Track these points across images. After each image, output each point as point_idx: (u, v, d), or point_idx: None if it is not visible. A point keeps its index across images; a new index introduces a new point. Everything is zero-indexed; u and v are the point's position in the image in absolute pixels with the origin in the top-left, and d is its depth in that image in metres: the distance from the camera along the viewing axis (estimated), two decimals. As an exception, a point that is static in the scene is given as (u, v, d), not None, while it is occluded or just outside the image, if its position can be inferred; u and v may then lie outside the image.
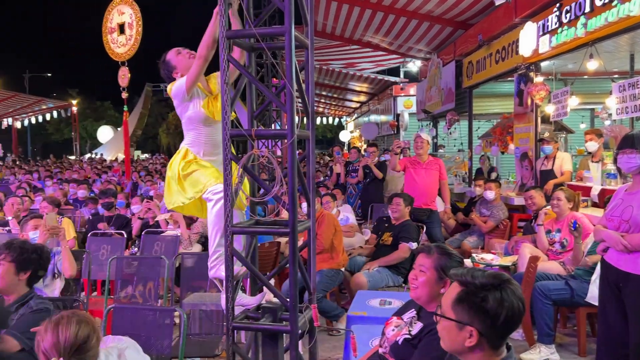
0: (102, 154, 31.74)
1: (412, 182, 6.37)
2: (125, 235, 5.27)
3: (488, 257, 5.15)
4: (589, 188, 5.78)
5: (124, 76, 10.61)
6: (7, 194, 7.98)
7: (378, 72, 16.66)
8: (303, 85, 2.96)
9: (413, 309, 2.28)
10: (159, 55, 3.30)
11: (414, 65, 13.94)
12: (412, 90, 14.74)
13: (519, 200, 6.83)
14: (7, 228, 5.16)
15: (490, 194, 6.37)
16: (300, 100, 2.91)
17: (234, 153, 2.88)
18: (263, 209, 5.98)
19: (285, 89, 2.74)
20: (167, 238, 5.01)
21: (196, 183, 3.05)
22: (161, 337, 2.52)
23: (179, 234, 5.11)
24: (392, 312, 3.53)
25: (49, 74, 44.46)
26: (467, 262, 5.40)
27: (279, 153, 12.54)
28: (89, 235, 5.41)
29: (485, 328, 1.51)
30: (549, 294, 4.08)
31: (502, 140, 8.47)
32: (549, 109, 6.79)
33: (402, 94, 15.43)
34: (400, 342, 2.14)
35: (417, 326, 2.14)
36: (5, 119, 31.18)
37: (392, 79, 15.71)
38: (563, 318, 4.81)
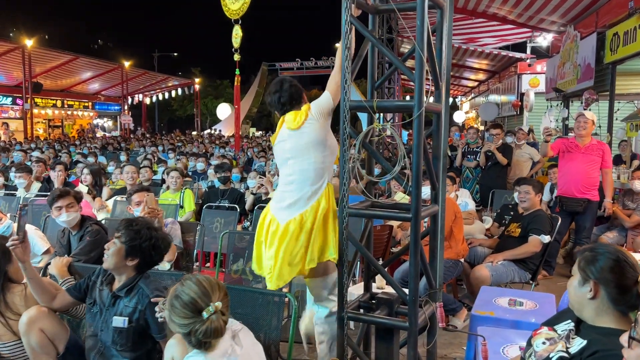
0: (220, 130, 33.32)
1: (565, 167, 5.61)
2: (238, 209, 5.26)
3: (636, 256, 4.43)
4: None
5: (237, 35, 10.68)
6: (136, 165, 8.49)
7: (501, 48, 15.48)
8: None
9: (570, 320, 1.85)
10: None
11: (544, 40, 12.67)
12: (540, 67, 13.50)
13: (673, 193, 5.87)
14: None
15: (638, 185, 5.52)
16: (430, 68, 2.55)
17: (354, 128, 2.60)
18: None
19: (414, 53, 2.40)
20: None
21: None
22: (269, 319, 2.35)
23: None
24: (524, 314, 3.11)
25: (175, 54, 47.55)
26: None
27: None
28: (204, 207, 5.49)
29: None
30: None
31: (653, 122, 7.37)
32: None
33: (529, 71, 14.21)
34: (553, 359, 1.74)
35: (577, 343, 1.73)
36: (136, 95, 33.83)
37: (518, 55, 14.50)
38: None
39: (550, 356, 1.74)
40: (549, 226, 4.44)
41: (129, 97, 32.54)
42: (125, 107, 32.28)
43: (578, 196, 5.50)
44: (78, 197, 3.77)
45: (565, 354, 1.70)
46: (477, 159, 7.69)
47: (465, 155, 7.86)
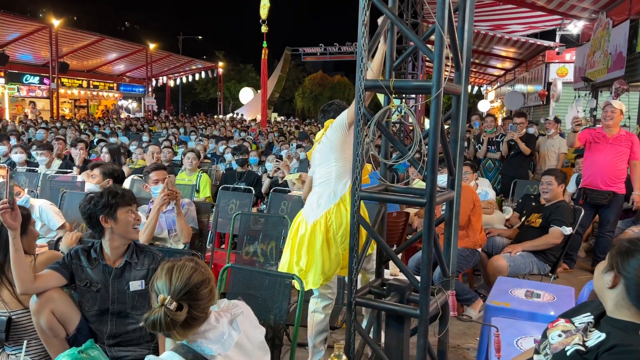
0: (242, 114, 33.41)
1: (591, 158, 5.44)
2: (254, 192, 5.23)
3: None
4: None
5: (264, 6, 10.58)
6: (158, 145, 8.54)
7: (529, 36, 15.09)
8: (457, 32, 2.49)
9: (589, 313, 1.76)
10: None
11: (574, 27, 12.29)
12: (569, 56, 13.13)
13: None
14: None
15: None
16: (451, 47, 2.45)
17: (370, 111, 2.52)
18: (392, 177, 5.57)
19: (434, 32, 2.30)
20: (293, 198, 4.86)
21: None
22: (278, 302, 2.30)
23: (306, 195, 4.95)
24: (540, 307, 3.01)
25: (200, 37, 47.62)
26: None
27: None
28: (219, 188, 5.48)
29: None
30: None
31: (685, 115, 7.08)
32: None
33: (557, 60, 13.85)
34: (568, 353, 1.65)
35: (594, 336, 1.63)
36: (160, 77, 34.05)
37: (547, 43, 14.11)
38: None
39: (567, 349, 1.65)
40: (571, 218, 4.30)
41: (153, 79, 32.78)
42: (150, 89, 32.55)
43: (603, 188, 5.32)
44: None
45: (581, 347, 1.62)
46: (500, 149, 7.52)
47: (487, 145, 7.69)
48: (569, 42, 14.04)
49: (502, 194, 7.26)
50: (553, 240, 4.19)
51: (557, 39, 14.87)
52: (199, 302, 1.74)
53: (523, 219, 4.74)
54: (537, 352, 1.78)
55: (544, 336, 1.79)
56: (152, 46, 28.73)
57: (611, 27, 9.26)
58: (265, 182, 6.00)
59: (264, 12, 10.59)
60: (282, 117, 39.21)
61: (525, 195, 5.41)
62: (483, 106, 28.34)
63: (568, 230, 4.19)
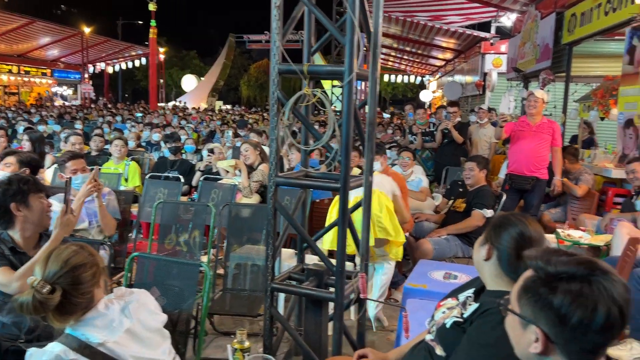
0: (185, 102, 32.66)
1: (516, 145, 5.65)
2: (182, 180, 5.11)
3: (576, 234, 4.52)
4: None
5: None
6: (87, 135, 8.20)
7: (467, 27, 15.47)
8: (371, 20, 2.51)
9: (474, 288, 1.85)
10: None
11: (507, 20, 12.71)
12: (504, 47, 13.56)
13: (617, 173, 6.00)
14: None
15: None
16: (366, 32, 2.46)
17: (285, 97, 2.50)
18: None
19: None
20: (224, 186, 4.79)
21: None
22: (187, 290, 2.26)
23: (237, 183, 4.88)
24: (455, 287, 3.11)
25: (140, 22, 45.98)
26: (551, 237, 4.80)
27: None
28: (147, 176, 5.32)
29: (553, 331, 1.09)
30: (650, 283, 3.45)
31: (604, 104, 7.48)
32: (668, 69, 5.80)
33: (492, 51, 14.27)
34: (447, 325, 1.73)
35: (471, 308, 1.72)
36: (98, 64, 32.69)
37: (482, 34, 14.51)
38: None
39: (446, 322, 1.73)
40: (492, 201, 4.47)
41: (89, 65, 31.40)
42: (86, 76, 31.19)
43: (527, 174, 5.56)
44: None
45: (459, 319, 1.70)
46: (432, 139, 7.72)
47: (423, 137, 7.88)
48: (503, 33, 14.51)
49: (436, 181, 7.48)
50: (475, 223, 4.35)
51: (493, 30, 15.35)
52: (78, 286, 1.67)
53: (449, 203, 4.88)
54: (429, 332, 1.84)
55: (432, 317, 1.86)
56: (87, 30, 27.49)
57: (539, 20, 9.63)
58: (196, 175, 5.85)
59: None
60: (228, 106, 38.62)
61: (453, 181, 5.57)
62: (425, 96, 28.95)
63: (489, 213, 4.35)
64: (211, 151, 6.04)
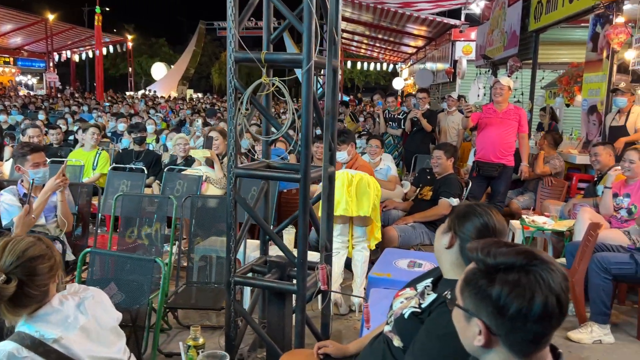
0: (154, 91, 32.06)
1: (483, 132, 5.69)
2: (145, 172, 4.99)
3: (540, 219, 4.59)
4: (668, 149, 5.01)
5: None
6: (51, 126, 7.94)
7: (438, 14, 15.51)
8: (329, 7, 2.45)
9: (432, 278, 1.84)
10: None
11: (477, 7, 12.79)
12: (473, 34, 13.65)
13: (581, 159, 6.11)
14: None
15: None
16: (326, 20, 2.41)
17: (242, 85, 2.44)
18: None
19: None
20: (189, 177, 4.70)
21: None
22: (143, 285, 2.20)
23: (202, 174, 4.78)
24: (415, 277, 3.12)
25: (107, 9, 44.78)
26: (516, 223, 4.86)
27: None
28: (110, 168, 5.19)
29: (494, 323, 1.08)
30: (609, 267, 3.52)
31: (569, 91, 7.59)
32: (629, 56, 5.91)
33: (462, 39, 14.35)
34: (405, 316, 1.72)
35: (430, 298, 1.71)
36: (64, 52, 31.77)
37: (452, 21, 14.57)
38: (622, 293, 4.23)
39: (404, 312, 1.72)
40: (459, 189, 4.50)
41: (55, 53, 30.48)
42: (51, 64, 30.29)
43: (494, 161, 5.61)
44: None
45: (417, 309, 1.69)
46: (402, 126, 7.72)
47: (388, 122, 7.87)
48: (473, 20, 14.60)
49: (406, 169, 7.51)
50: (442, 211, 4.37)
51: (462, 17, 15.44)
52: (34, 277, 1.62)
53: (417, 191, 4.90)
54: (387, 323, 1.83)
55: (391, 307, 1.85)
56: (51, 17, 26.65)
57: (507, 7, 9.70)
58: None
59: None
60: (199, 94, 38.08)
61: (422, 169, 5.58)
62: (397, 84, 29.01)
63: (455, 201, 4.37)
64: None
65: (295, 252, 2.50)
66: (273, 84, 2.38)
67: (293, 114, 2.36)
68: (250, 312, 2.77)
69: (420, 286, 1.83)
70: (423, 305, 1.70)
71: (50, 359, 1.56)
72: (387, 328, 1.83)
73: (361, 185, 3.72)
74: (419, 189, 4.90)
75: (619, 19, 5.73)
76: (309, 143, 2.35)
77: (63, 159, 5.18)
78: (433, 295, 1.70)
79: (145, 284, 2.13)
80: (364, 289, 4.21)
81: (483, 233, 1.66)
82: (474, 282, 1.11)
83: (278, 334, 2.63)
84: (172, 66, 37.68)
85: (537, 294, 1.04)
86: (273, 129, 2.54)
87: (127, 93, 31.65)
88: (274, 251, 3.13)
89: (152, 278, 2.09)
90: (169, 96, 29.55)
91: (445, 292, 1.27)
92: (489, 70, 11.29)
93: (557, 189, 5.68)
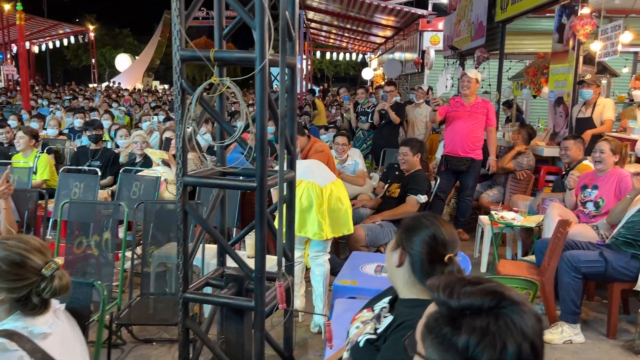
0: (119, 83, 31.19)
1: (451, 126, 5.60)
2: (99, 173, 4.71)
3: (509, 215, 4.53)
4: (634, 141, 5.01)
5: None
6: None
7: (405, 4, 15.40)
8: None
9: (390, 297, 1.69)
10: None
11: (444, -3, 12.73)
12: (441, 24, 13.59)
13: (549, 151, 6.08)
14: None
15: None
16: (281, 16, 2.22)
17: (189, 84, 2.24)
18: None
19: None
20: (146, 178, 4.45)
21: None
22: (88, 311, 1.98)
23: (160, 174, 4.55)
24: (387, 283, 2.98)
25: (68, -1, 43.36)
26: (485, 219, 4.79)
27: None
28: (61, 170, 4.88)
29: None
30: (579, 266, 3.46)
31: (536, 82, 7.57)
32: (595, 47, 5.89)
33: (430, 29, 14.27)
34: (361, 345, 1.57)
35: (386, 321, 1.56)
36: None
37: (420, 11, 14.47)
38: (591, 289, 4.20)
39: (359, 340, 1.57)
40: (426, 186, 4.39)
41: (12, 44, 29.27)
42: (9, 56, 29.09)
43: (462, 155, 5.54)
44: None
45: (372, 336, 1.54)
46: (370, 119, 7.59)
47: (359, 116, 7.73)
48: (440, 10, 14.54)
49: (375, 162, 7.39)
50: (410, 209, 4.25)
51: (430, 7, 15.37)
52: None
53: (385, 187, 4.77)
54: (347, 350, 1.68)
55: (348, 332, 1.70)
56: (7, 7, 25.53)
57: (474, -3, 9.64)
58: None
59: None
60: (166, 85, 37.22)
61: (390, 164, 5.46)
62: (367, 74, 28.93)
63: (423, 199, 4.26)
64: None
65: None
66: (224, 84, 2.19)
67: (247, 117, 2.17)
68: (207, 328, 2.59)
69: (377, 307, 1.68)
70: (379, 331, 1.55)
71: (36, 358, 1.54)
72: (345, 355, 1.68)
73: (332, 200, 3.38)
74: (387, 185, 4.78)
75: (585, 10, 5.69)
76: (264, 148, 2.17)
77: (10, 162, 4.86)
78: (390, 318, 1.55)
79: (84, 311, 1.92)
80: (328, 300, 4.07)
81: (433, 246, 1.52)
82: (436, 330, 0.95)
83: (237, 351, 2.46)
84: (136, 57, 36.74)
85: (509, 343, 0.89)
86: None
87: (91, 85, 30.69)
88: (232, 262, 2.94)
89: (89, 303, 1.89)
90: (134, 88, 28.76)
91: (403, 340, 1.11)
92: (456, 61, 11.25)
93: (526, 184, 5.64)
